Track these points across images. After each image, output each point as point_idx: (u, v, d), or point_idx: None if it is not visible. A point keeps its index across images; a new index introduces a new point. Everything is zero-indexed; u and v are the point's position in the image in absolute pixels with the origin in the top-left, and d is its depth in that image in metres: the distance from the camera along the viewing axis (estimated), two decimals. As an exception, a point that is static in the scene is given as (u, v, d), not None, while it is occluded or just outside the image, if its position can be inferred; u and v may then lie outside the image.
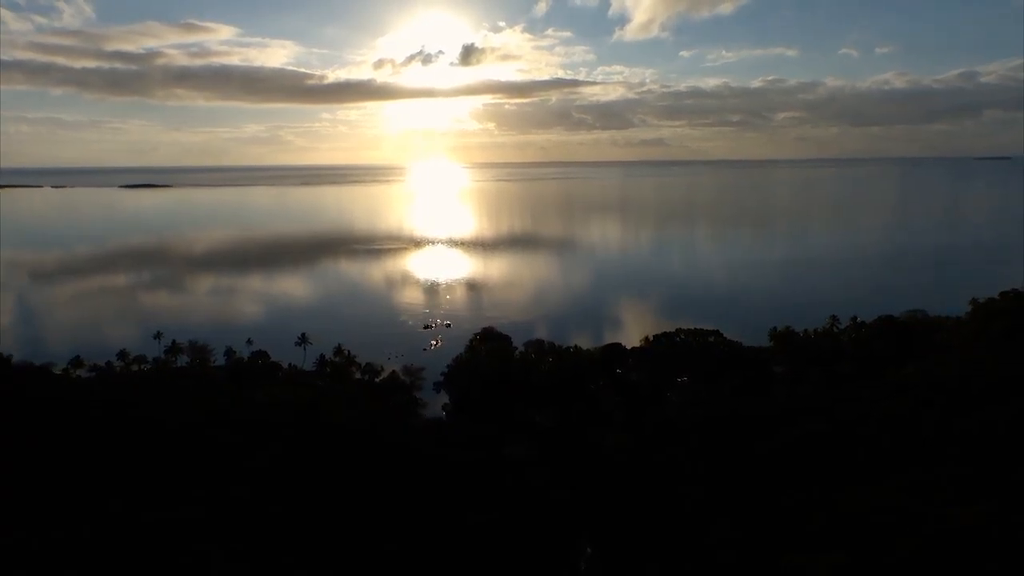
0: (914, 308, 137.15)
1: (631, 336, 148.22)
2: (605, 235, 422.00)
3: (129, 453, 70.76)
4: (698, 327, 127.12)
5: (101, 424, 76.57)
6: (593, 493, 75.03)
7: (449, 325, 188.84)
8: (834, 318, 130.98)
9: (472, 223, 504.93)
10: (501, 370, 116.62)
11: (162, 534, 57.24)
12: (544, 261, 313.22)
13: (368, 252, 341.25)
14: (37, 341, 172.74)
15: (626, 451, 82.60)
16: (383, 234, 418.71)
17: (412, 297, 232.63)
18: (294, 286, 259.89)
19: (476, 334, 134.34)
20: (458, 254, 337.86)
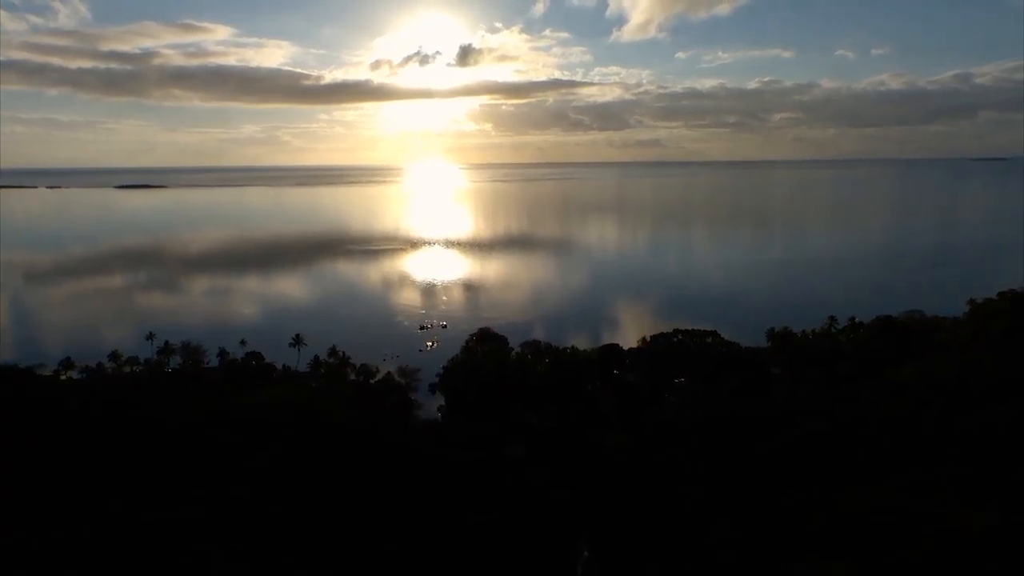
0: (911, 308, 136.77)
1: (628, 337, 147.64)
2: (602, 236, 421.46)
3: (129, 453, 70.89)
4: (696, 328, 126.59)
5: (101, 424, 76.76)
6: (593, 493, 74.98)
7: (445, 326, 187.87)
8: (832, 318, 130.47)
9: (469, 224, 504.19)
10: (497, 371, 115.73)
11: (162, 534, 57.21)
12: (541, 262, 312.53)
13: (364, 253, 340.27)
14: (29, 342, 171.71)
15: (626, 451, 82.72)
16: (379, 235, 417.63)
17: (408, 298, 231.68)
18: (289, 287, 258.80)
19: (472, 335, 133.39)
20: (454, 255, 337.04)
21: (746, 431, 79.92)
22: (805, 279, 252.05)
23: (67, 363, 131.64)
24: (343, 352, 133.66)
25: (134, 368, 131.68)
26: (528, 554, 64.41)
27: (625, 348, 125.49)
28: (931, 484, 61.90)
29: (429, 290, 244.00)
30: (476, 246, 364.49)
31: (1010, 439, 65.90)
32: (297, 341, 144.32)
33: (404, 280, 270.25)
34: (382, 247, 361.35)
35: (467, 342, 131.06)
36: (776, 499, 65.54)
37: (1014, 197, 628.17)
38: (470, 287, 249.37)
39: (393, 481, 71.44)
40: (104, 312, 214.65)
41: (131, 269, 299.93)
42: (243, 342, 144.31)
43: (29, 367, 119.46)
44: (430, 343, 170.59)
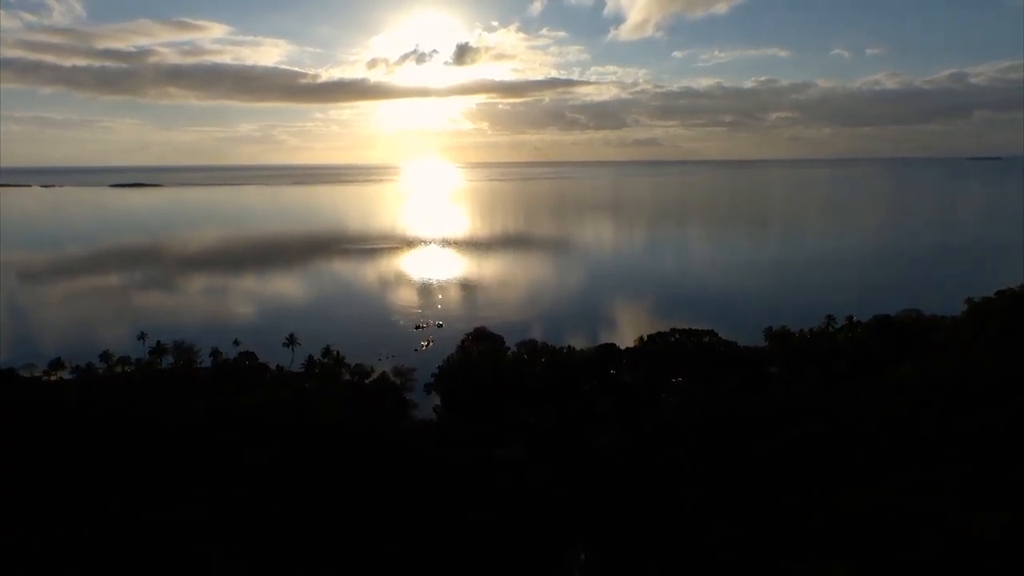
0: (909, 308, 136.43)
1: (625, 336, 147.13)
2: (599, 235, 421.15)
3: (129, 453, 71.03)
4: (693, 327, 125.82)
5: (101, 424, 76.86)
6: (593, 493, 74.77)
7: (441, 325, 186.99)
8: (830, 317, 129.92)
9: (465, 223, 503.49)
10: (494, 371, 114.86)
11: (162, 534, 57.38)
12: (537, 261, 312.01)
13: (360, 252, 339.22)
14: (19, 342, 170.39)
15: (625, 451, 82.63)
16: (375, 234, 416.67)
17: (404, 297, 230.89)
18: (284, 286, 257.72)
19: (468, 334, 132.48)
20: (451, 254, 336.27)
21: (745, 431, 79.94)
22: (802, 278, 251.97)
23: (57, 363, 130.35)
24: (337, 352, 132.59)
25: (125, 368, 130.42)
26: (528, 554, 64.10)
27: (622, 348, 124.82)
28: (931, 484, 61.99)
29: (425, 289, 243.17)
30: (472, 245, 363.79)
31: (1010, 439, 65.78)
32: (291, 341, 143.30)
33: (400, 279, 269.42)
34: (378, 246, 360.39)
35: (463, 341, 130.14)
36: (776, 499, 65.48)
37: (1010, 196, 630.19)
38: (466, 286, 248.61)
39: (393, 481, 71.38)
40: (96, 312, 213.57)
41: (124, 268, 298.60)
42: (236, 342, 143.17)
43: (11, 368, 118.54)
44: (425, 343, 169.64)
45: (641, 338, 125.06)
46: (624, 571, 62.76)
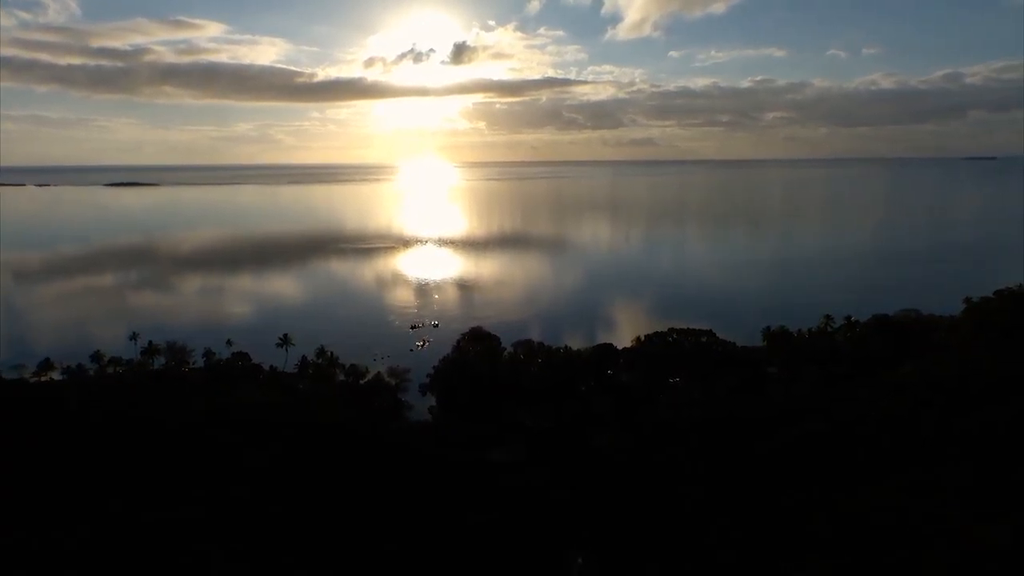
0: (907, 307, 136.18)
1: (623, 336, 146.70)
2: (596, 234, 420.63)
3: (128, 453, 70.97)
4: (691, 327, 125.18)
5: (101, 424, 76.85)
6: (593, 493, 74.58)
7: (437, 325, 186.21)
8: (828, 317, 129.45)
9: (462, 222, 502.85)
10: (490, 371, 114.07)
11: (162, 534, 57.37)
12: (534, 260, 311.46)
13: (356, 251, 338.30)
14: (10, 342, 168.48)
15: (625, 451, 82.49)
16: (371, 233, 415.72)
17: (400, 297, 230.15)
18: (279, 286, 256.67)
19: (464, 334, 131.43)
20: (447, 253, 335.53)
21: (745, 431, 79.89)
22: (800, 278, 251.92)
23: (46, 364, 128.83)
24: (331, 352, 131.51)
25: (117, 369, 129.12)
26: (528, 554, 63.88)
27: (619, 348, 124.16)
28: (931, 484, 61.74)
29: (421, 289, 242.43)
30: (469, 245, 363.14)
31: (1010, 439, 65.56)
32: (285, 341, 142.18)
33: (396, 279, 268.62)
34: (374, 245, 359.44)
35: (458, 341, 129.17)
36: (776, 499, 65.35)
37: (1006, 196, 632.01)
38: (462, 286, 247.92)
39: (393, 481, 71.19)
40: (88, 312, 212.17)
41: (118, 268, 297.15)
42: (229, 342, 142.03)
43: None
44: (420, 343, 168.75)
45: (638, 338, 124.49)
46: (624, 571, 62.47)
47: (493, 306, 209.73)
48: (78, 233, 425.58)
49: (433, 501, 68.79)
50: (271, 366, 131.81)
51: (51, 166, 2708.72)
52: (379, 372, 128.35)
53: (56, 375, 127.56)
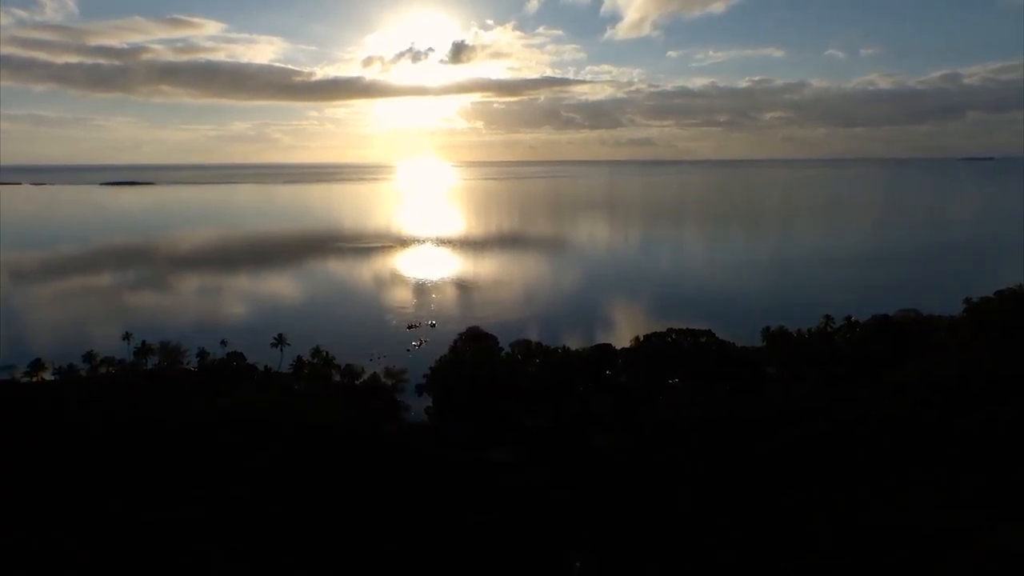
0: (907, 307, 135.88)
1: (621, 336, 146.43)
2: (594, 234, 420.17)
3: (129, 453, 70.99)
4: (690, 327, 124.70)
5: (100, 424, 76.83)
6: (593, 493, 74.56)
7: (434, 325, 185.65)
8: (828, 317, 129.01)
9: (459, 222, 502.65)
10: (488, 371, 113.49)
11: (162, 534, 57.55)
12: (532, 260, 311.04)
13: (353, 251, 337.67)
14: (1, 342, 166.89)
15: (625, 451, 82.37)
16: (369, 233, 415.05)
17: (397, 297, 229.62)
18: (276, 286, 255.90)
19: (460, 334, 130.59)
20: (445, 253, 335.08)
21: (745, 431, 79.77)
22: (800, 278, 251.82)
23: (37, 364, 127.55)
24: (327, 352, 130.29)
25: (110, 369, 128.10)
26: (528, 554, 63.81)
27: (618, 348, 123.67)
28: (931, 484, 61.60)
29: (418, 289, 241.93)
30: (467, 244, 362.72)
31: (1010, 439, 65.54)
32: (280, 341, 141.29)
33: (393, 279, 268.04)
34: (371, 245, 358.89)
35: (455, 341, 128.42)
36: (776, 499, 65.51)
37: (1005, 197, 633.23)
38: (460, 286, 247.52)
39: (393, 481, 71.22)
40: (81, 312, 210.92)
41: (112, 268, 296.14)
42: (224, 342, 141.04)
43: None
44: (416, 343, 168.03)
45: (637, 338, 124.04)
46: (624, 571, 62.42)
47: (491, 306, 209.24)
48: (72, 232, 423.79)
49: (433, 501, 68.72)
50: (266, 366, 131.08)
51: (48, 165, 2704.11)
52: (375, 372, 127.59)
53: (47, 375, 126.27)
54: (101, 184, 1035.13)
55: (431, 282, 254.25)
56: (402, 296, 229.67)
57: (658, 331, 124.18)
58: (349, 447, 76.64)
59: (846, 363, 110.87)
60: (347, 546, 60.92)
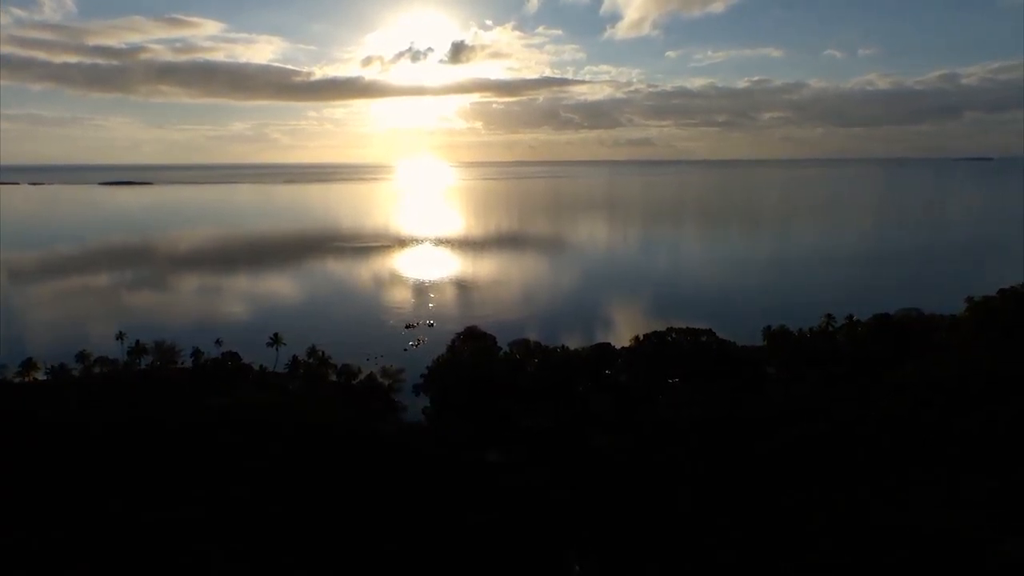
0: (908, 307, 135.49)
1: (621, 336, 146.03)
2: (593, 234, 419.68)
3: (129, 453, 71.15)
4: (690, 326, 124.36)
5: (100, 425, 76.84)
6: (593, 493, 74.57)
7: (432, 324, 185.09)
8: (829, 317, 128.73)
9: (458, 222, 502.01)
10: (486, 371, 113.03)
11: (162, 534, 57.82)
12: (531, 260, 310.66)
13: (351, 251, 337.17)
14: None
15: (625, 451, 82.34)
16: (367, 232, 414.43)
17: (395, 296, 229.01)
18: (273, 286, 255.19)
19: (459, 333, 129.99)
20: (443, 253, 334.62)
21: (745, 431, 79.45)
22: (800, 277, 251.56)
23: (29, 364, 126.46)
24: (323, 352, 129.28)
25: (103, 368, 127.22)
26: (528, 554, 63.87)
27: (618, 347, 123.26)
28: (931, 484, 61.43)
29: (416, 288, 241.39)
30: (465, 244, 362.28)
31: (1010, 439, 65.42)
32: (275, 340, 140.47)
33: (391, 278, 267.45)
34: (370, 245, 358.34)
35: (453, 341, 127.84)
36: (776, 499, 65.64)
37: (1003, 197, 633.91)
38: (458, 285, 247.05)
39: (392, 481, 71.28)
40: (76, 311, 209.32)
41: (108, 267, 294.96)
42: (219, 342, 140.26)
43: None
44: (414, 342, 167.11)
45: (637, 337, 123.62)
46: (624, 571, 62.42)
47: (489, 305, 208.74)
48: (69, 232, 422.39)
49: (433, 501, 68.72)
50: (261, 366, 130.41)
51: (46, 165, 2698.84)
52: (372, 372, 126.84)
53: (39, 375, 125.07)
54: (99, 184, 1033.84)
55: (429, 282, 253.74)
56: (400, 296, 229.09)
57: (658, 330, 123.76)
58: (349, 447, 76.61)
59: (847, 363, 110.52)
60: (347, 546, 60.86)
